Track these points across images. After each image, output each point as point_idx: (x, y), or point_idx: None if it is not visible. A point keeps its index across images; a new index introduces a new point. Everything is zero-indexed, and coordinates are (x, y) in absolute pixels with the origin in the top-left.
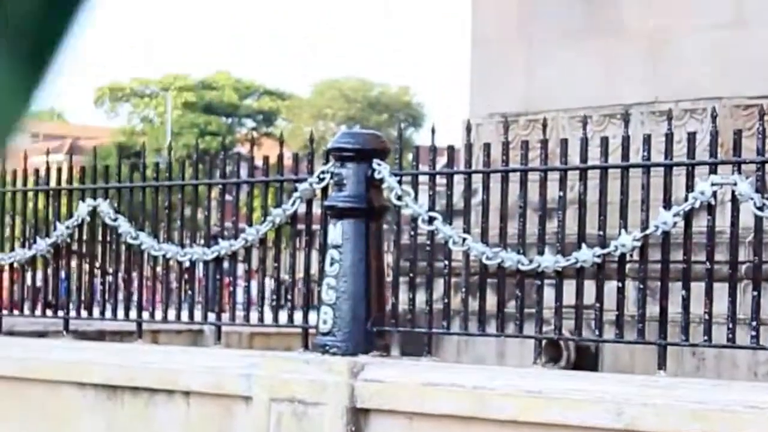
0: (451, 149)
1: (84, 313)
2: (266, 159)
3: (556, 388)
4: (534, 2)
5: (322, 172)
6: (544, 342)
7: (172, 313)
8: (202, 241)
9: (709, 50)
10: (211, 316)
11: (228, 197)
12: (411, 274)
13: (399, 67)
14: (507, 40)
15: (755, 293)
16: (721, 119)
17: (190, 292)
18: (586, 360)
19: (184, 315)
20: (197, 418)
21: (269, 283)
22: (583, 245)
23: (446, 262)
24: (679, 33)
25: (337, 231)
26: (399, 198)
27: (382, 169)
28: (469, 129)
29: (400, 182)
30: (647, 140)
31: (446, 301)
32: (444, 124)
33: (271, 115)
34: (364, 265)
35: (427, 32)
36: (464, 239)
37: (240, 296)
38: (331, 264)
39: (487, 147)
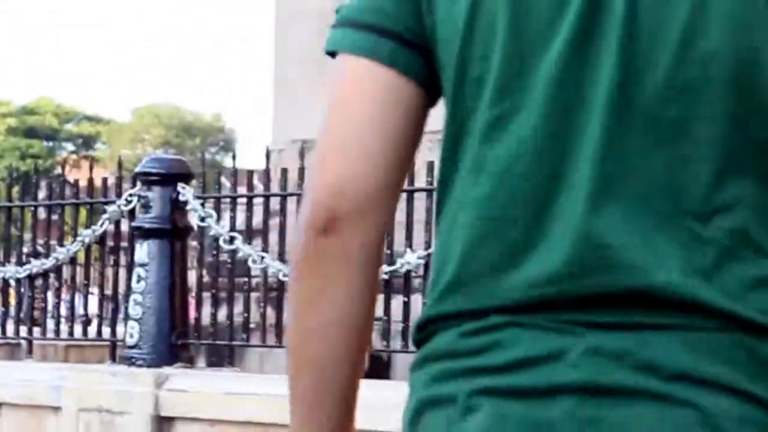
0: (250, 174)
1: None
2: (76, 182)
3: None
4: None
5: (130, 195)
6: None
7: None
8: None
9: None
10: (26, 331)
11: (54, 216)
12: (214, 290)
13: (212, 94)
14: (309, 76)
15: None
16: None
17: (2, 309)
18: (380, 369)
19: None
20: (10, 429)
21: (81, 300)
22: None
23: (246, 279)
24: None
25: (143, 250)
26: (202, 219)
27: (186, 192)
28: (268, 155)
29: (203, 204)
30: (430, 166)
31: (246, 315)
32: (256, 148)
33: (91, 140)
34: (169, 282)
35: (239, 61)
36: (263, 257)
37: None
38: (138, 281)
39: (284, 172)
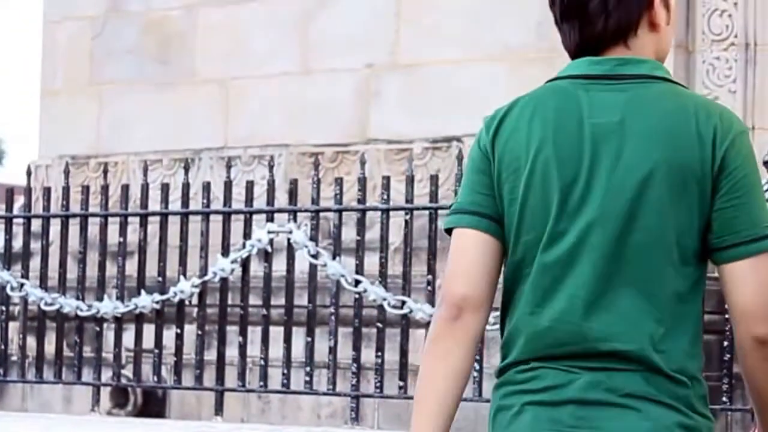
0: (9, 191)
1: None
2: None
3: None
4: (106, 52)
5: None
6: (110, 387)
7: None
8: None
9: (278, 98)
10: None
11: None
12: None
13: None
14: (78, 87)
15: (309, 338)
16: (290, 166)
17: None
18: (154, 404)
19: None
20: None
21: None
22: (143, 291)
23: (3, 308)
24: (250, 80)
25: None
26: None
27: None
28: (29, 173)
29: None
30: (207, 187)
31: (3, 347)
32: (26, 161)
33: None
34: None
35: (8, 61)
36: (22, 285)
37: None
38: None
39: (47, 191)
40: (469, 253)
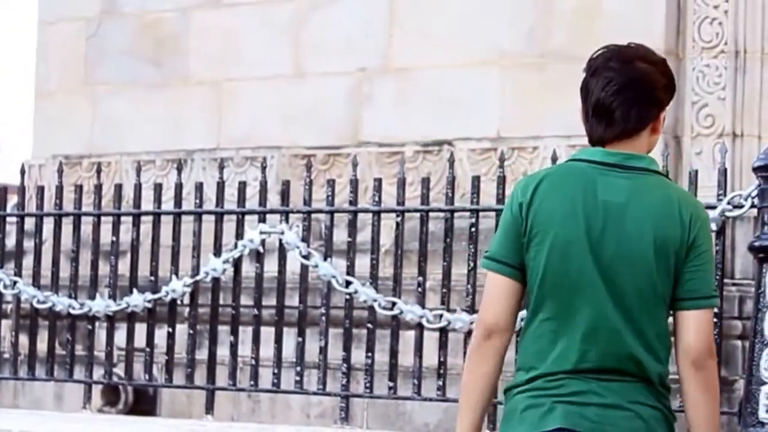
0: (3, 190)
1: None
2: None
3: None
4: (100, 53)
5: None
6: (101, 385)
7: None
8: None
9: (271, 100)
10: None
11: None
12: None
13: None
14: (72, 87)
15: (300, 339)
16: (282, 168)
17: None
18: (145, 403)
19: None
20: None
21: None
22: (135, 290)
23: None
24: (243, 82)
25: None
26: None
27: None
28: (23, 172)
29: None
30: (199, 188)
31: None
32: (20, 160)
33: None
34: None
35: (3, 68)
36: (15, 282)
37: None
38: None
39: (41, 190)
40: (496, 292)
